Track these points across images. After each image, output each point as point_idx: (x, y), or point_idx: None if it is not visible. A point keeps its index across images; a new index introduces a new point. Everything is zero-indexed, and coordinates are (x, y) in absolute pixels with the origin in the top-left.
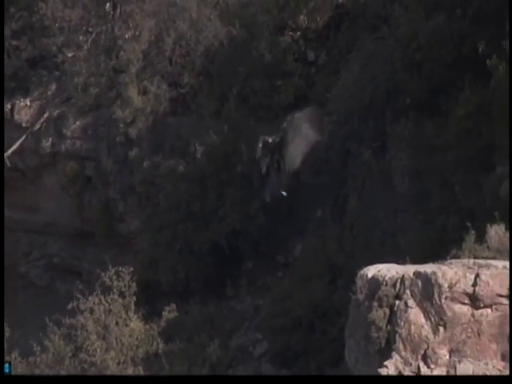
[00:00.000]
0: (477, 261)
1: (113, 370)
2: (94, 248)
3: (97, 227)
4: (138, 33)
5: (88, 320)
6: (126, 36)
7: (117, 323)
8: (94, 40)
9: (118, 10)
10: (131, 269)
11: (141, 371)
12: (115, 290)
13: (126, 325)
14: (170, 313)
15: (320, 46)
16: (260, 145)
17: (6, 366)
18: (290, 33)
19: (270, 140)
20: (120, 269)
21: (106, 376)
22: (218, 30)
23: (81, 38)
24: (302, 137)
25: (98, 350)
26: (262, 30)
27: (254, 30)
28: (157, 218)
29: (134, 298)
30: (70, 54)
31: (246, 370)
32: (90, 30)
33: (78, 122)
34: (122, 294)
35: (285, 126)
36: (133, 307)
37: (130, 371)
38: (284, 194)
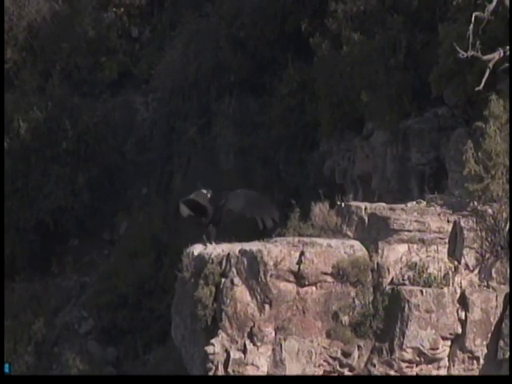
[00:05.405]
0: (301, 239)
1: None
2: None
3: None
4: None
5: None
6: None
7: None
8: None
9: None
10: None
11: None
12: None
13: None
14: None
15: (144, 23)
16: None
17: (6, 366)
18: (114, 9)
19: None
20: None
21: (106, 376)
22: (40, 5)
23: None
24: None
25: None
26: (85, 6)
27: (77, 6)
28: None
29: None
30: None
31: (72, 348)
32: None
33: None
34: None
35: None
36: None
37: None
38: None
